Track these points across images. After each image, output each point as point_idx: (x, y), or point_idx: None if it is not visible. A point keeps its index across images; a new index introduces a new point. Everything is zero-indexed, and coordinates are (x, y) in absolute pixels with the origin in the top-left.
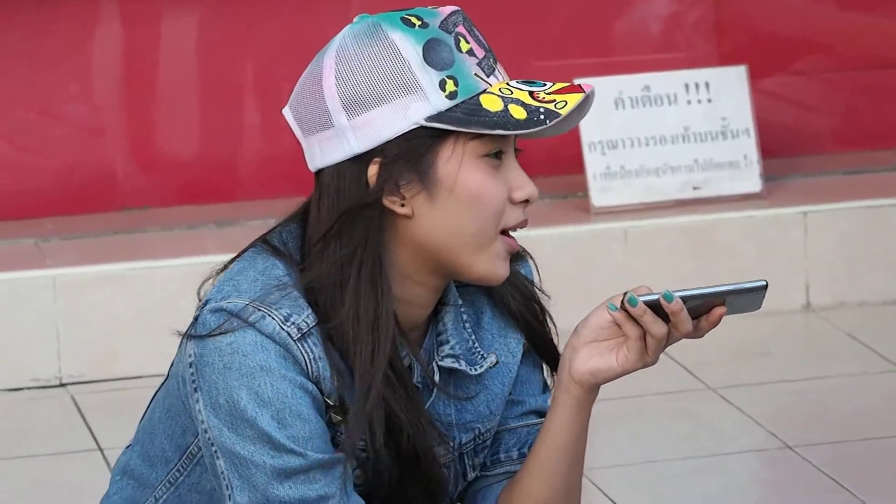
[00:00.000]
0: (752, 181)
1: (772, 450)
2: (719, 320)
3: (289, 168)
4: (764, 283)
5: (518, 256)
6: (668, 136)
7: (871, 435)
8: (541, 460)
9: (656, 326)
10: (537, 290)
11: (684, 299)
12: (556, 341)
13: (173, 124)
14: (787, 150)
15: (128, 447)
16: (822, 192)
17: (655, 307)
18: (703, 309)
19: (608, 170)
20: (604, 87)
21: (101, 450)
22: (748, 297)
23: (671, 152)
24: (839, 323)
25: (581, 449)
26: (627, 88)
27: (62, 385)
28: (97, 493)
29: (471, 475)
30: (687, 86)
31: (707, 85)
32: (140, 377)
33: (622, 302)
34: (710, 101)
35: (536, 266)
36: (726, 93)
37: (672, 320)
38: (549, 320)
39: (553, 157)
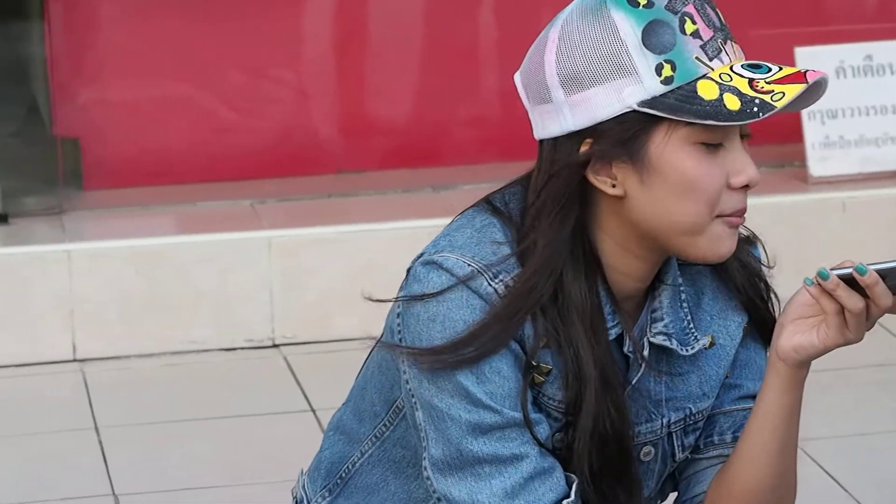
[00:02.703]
0: None
1: None
2: None
3: (503, 133)
4: None
5: (748, 241)
6: (889, 105)
7: None
8: (750, 443)
9: (852, 301)
10: (763, 267)
11: (881, 273)
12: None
13: (390, 88)
14: None
15: (343, 404)
16: None
17: (850, 281)
18: None
19: (827, 139)
20: (825, 56)
21: (313, 410)
22: None
23: (892, 122)
24: None
25: (792, 433)
26: (849, 57)
27: (275, 346)
28: (309, 453)
29: (679, 455)
30: None
31: None
32: (352, 339)
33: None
34: None
35: (766, 249)
36: None
37: (869, 294)
38: (773, 301)
39: (771, 126)
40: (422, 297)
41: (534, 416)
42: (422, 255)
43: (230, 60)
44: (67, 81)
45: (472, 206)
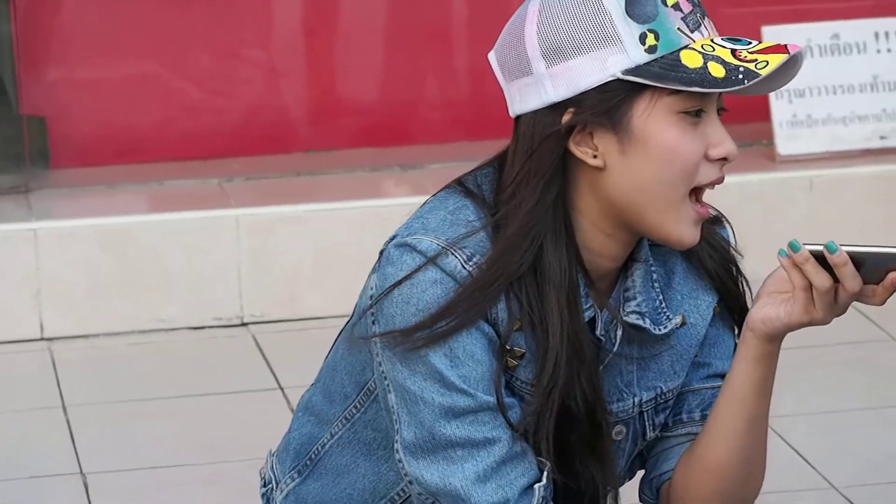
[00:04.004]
0: None
1: None
2: (893, 286)
3: (472, 112)
4: None
5: (716, 220)
6: (857, 84)
7: None
8: (719, 417)
9: (819, 277)
10: (733, 252)
11: (856, 257)
12: (749, 304)
13: (358, 67)
14: None
15: (312, 385)
16: None
17: (821, 258)
18: (881, 273)
19: (794, 118)
20: (792, 34)
21: (281, 389)
22: None
23: (859, 101)
24: None
25: (761, 408)
26: (816, 36)
27: (244, 324)
28: (278, 432)
29: (650, 434)
30: (877, 34)
31: None
32: (320, 318)
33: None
34: None
35: (734, 231)
36: None
37: (837, 274)
38: (744, 283)
39: (739, 105)
40: (396, 285)
41: (507, 400)
42: (394, 236)
43: (198, 39)
44: (34, 60)
45: (444, 188)
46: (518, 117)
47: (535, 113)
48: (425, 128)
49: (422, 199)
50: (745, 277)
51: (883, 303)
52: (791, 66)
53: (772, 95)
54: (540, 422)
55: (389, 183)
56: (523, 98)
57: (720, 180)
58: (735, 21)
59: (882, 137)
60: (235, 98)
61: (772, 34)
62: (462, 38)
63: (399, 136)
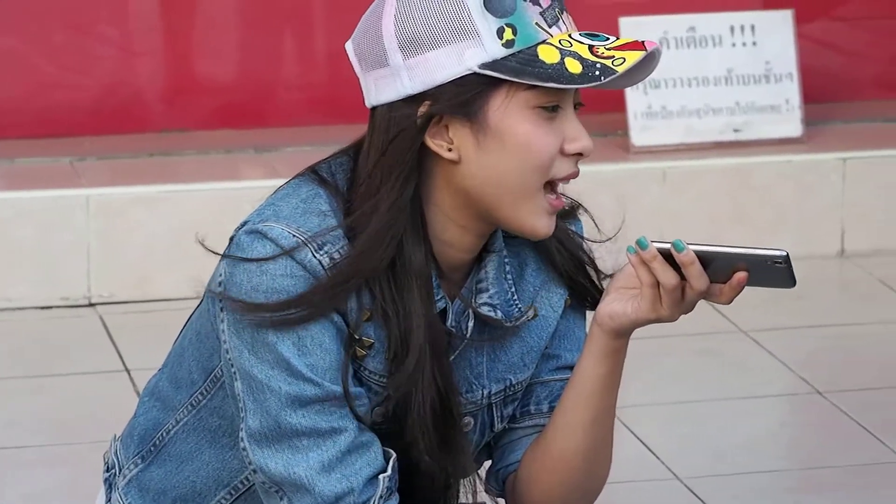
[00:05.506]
0: (792, 125)
1: (801, 394)
2: (740, 286)
3: (329, 95)
4: (783, 254)
5: (569, 213)
6: (711, 77)
7: None
8: (565, 411)
9: (666, 275)
10: (589, 244)
11: (704, 256)
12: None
13: (214, 47)
14: (829, 96)
15: (159, 370)
16: (862, 139)
17: (669, 256)
18: (728, 273)
19: (649, 109)
20: (649, 26)
21: (127, 371)
22: (773, 270)
23: (713, 94)
24: (873, 270)
25: (607, 403)
26: (672, 28)
27: (91, 305)
28: (123, 414)
29: (498, 426)
30: (732, 28)
31: (752, 28)
32: (170, 300)
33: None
34: (754, 44)
35: (594, 220)
36: (771, 36)
37: (684, 273)
38: (596, 275)
39: (594, 94)
40: (246, 261)
41: (354, 390)
42: (245, 223)
43: (52, 14)
44: None
45: (297, 176)
46: (374, 109)
47: (391, 105)
48: (281, 110)
49: (277, 182)
50: (598, 270)
51: (730, 301)
52: (648, 63)
53: None
54: (401, 412)
55: (244, 165)
56: (379, 89)
57: (575, 174)
58: (593, 12)
59: (735, 130)
60: (89, 75)
61: (629, 25)
62: (321, 19)
63: (255, 117)
